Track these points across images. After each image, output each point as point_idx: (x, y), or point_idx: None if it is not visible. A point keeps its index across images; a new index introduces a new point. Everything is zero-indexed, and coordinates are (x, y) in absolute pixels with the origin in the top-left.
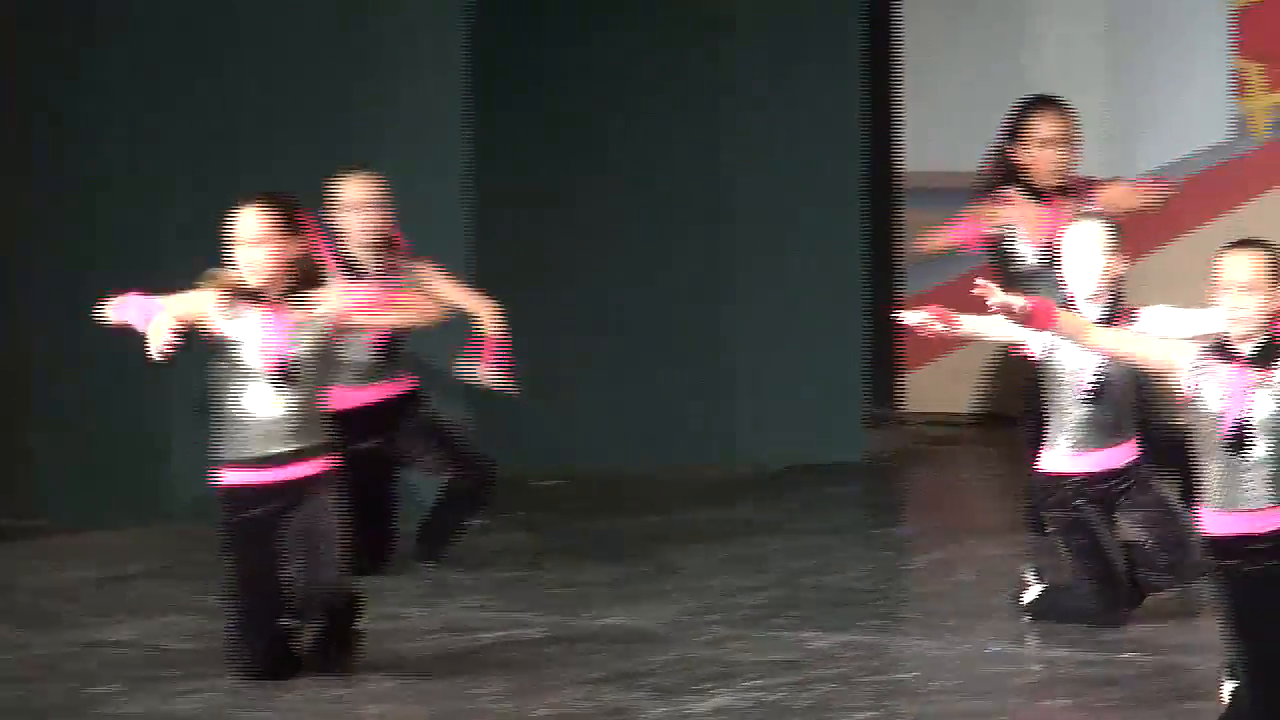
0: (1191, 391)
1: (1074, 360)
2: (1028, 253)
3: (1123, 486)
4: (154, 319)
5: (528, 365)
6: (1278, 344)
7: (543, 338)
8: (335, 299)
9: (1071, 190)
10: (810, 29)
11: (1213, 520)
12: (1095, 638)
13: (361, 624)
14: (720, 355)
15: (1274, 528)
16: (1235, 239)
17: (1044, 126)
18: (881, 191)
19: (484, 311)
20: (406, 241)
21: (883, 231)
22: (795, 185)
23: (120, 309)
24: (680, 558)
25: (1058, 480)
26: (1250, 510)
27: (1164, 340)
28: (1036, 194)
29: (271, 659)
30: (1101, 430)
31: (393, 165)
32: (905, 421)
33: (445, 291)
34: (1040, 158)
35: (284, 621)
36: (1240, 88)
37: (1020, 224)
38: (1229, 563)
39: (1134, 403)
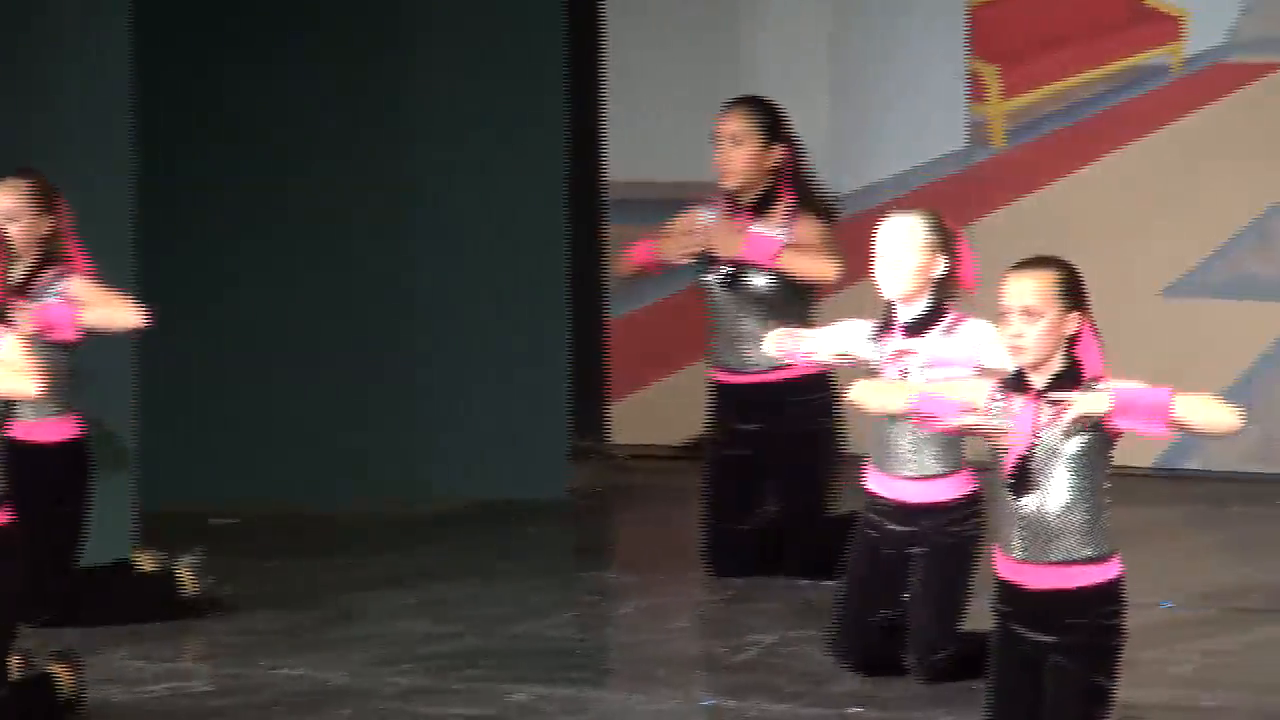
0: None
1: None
2: (712, 269)
3: (918, 530)
4: None
5: (198, 390)
6: (1077, 373)
7: (217, 358)
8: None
9: (775, 202)
10: (508, 26)
11: (999, 563)
12: (823, 690)
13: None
14: (410, 381)
15: (1051, 586)
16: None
17: (721, 126)
18: (587, 204)
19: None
20: (80, 252)
21: (588, 247)
22: (492, 196)
23: None
24: (365, 603)
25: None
26: (1033, 563)
27: (964, 382)
28: (738, 203)
29: None
30: (895, 457)
31: (51, 171)
32: (613, 455)
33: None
34: (719, 160)
35: None
36: (977, 92)
37: (711, 238)
38: (1004, 610)
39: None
